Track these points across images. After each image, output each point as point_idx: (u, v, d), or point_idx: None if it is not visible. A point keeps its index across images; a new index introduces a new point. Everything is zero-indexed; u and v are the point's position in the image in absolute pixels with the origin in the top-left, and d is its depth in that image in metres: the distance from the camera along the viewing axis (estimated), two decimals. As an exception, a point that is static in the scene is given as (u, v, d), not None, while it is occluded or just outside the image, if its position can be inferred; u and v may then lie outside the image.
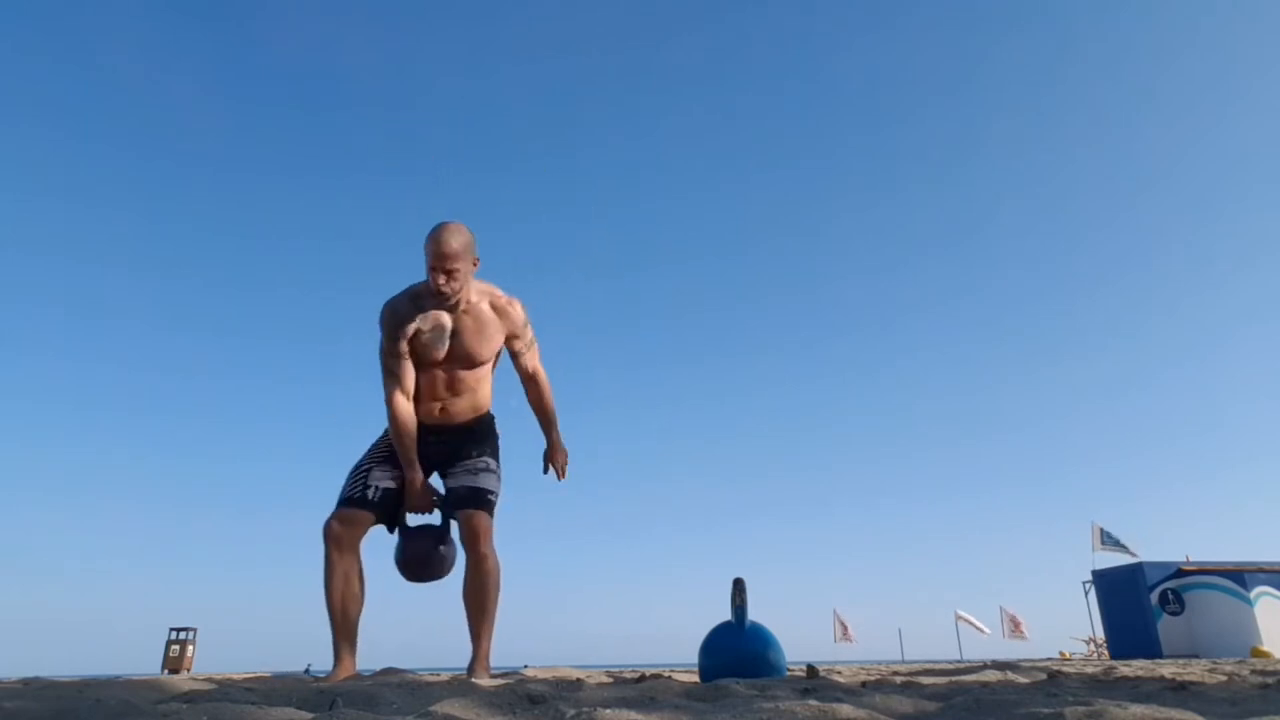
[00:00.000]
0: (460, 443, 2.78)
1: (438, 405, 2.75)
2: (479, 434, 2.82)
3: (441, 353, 2.66)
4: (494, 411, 2.92)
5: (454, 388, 2.75)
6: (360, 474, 2.72)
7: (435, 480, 2.81)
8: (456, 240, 2.52)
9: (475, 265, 2.65)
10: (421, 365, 2.70)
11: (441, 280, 2.53)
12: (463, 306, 2.65)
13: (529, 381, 2.93)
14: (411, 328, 2.62)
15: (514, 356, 2.86)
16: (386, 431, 2.77)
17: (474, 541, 2.61)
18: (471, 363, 2.73)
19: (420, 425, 2.74)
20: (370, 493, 2.66)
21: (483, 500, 2.68)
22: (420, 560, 2.73)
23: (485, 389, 2.85)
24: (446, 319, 2.64)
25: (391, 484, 2.70)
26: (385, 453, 2.77)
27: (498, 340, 2.75)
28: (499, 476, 2.79)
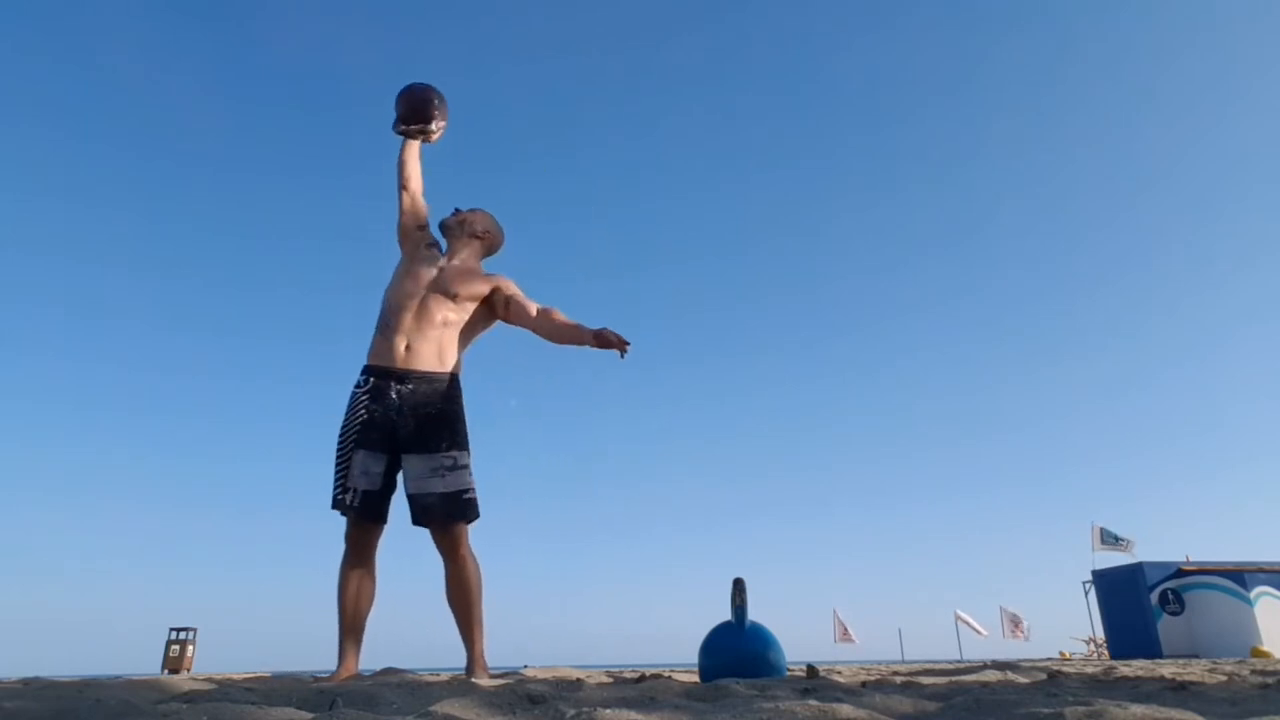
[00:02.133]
0: (426, 418, 2.62)
1: (404, 341, 2.69)
2: (446, 414, 2.66)
3: (424, 257, 2.89)
4: (473, 406, 2.78)
5: (423, 322, 2.72)
6: (341, 467, 2.62)
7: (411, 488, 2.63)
8: (487, 213, 3.06)
9: (486, 243, 3.02)
10: (406, 274, 2.85)
11: (457, 210, 3.01)
12: (462, 253, 2.95)
13: (542, 315, 2.77)
14: (426, 231, 3.02)
15: (510, 304, 2.83)
16: (357, 385, 2.70)
17: (453, 549, 2.59)
18: (447, 292, 2.77)
19: (384, 371, 2.68)
20: (349, 497, 2.59)
21: (457, 509, 2.58)
22: (419, 96, 3.07)
23: (454, 343, 2.77)
24: (445, 256, 2.93)
25: (372, 485, 2.60)
26: (360, 424, 2.63)
27: (480, 289, 2.84)
28: (469, 468, 2.66)
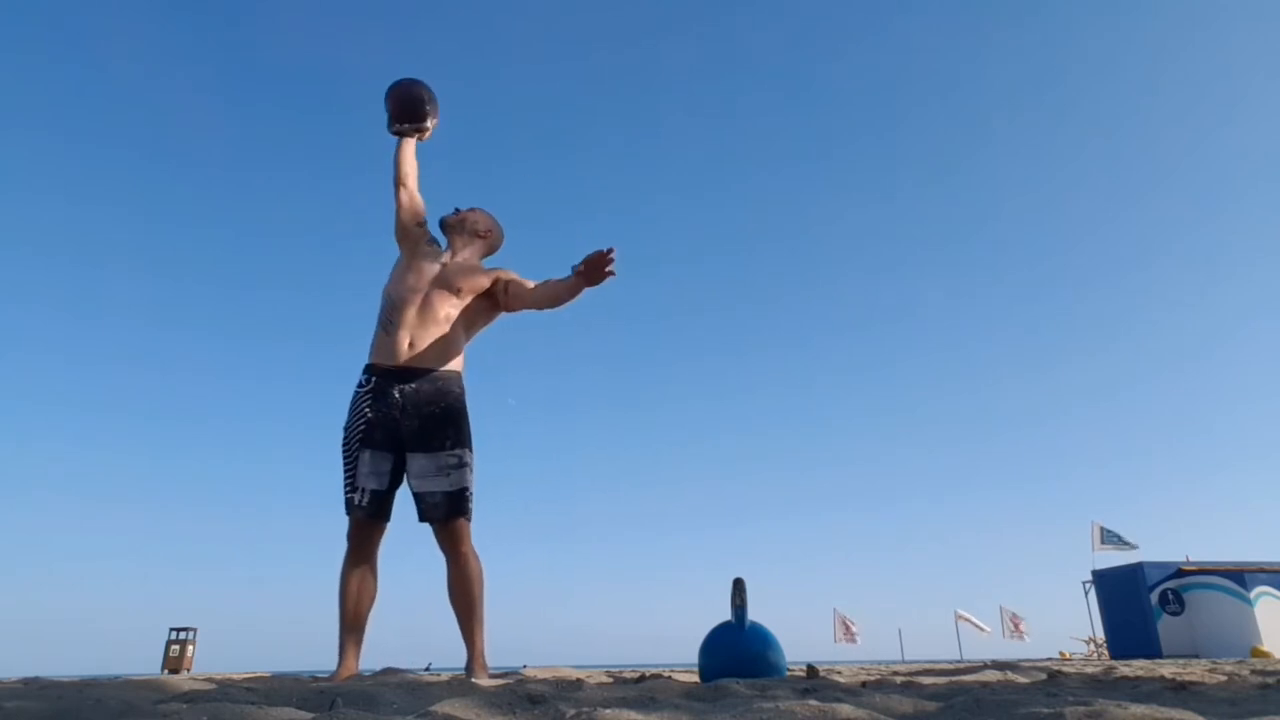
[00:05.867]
0: (430, 417, 2.63)
1: (407, 338, 2.68)
2: (450, 412, 2.67)
3: (426, 253, 2.88)
4: (474, 401, 2.81)
5: (426, 318, 2.71)
6: (349, 469, 2.65)
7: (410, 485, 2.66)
8: (487, 212, 3.05)
9: (488, 241, 3.01)
10: (408, 270, 2.84)
11: (458, 209, 2.99)
12: (464, 251, 2.94)
13: (540, 287, 2.78)
14: (424, 228, 2.98)
15: (509, 288, 2.84)
16: (359, 385, 2.70)
17: (455, 545, 2.60)
18: (450, 287, 2.78)
19: (386, 370, 2.67)
20: (358, 497, 2.61)
21: (461, 506, 2.62)
22: (411, 94, 3.10)
23: (457, 338, 2.77)
24: (448, 253, 2.92)
25: (380, 484, 2.63)
26: (364, 424, 2.64)
27: (482, 281, 2.85)
28: (470, 466, 2.67)
